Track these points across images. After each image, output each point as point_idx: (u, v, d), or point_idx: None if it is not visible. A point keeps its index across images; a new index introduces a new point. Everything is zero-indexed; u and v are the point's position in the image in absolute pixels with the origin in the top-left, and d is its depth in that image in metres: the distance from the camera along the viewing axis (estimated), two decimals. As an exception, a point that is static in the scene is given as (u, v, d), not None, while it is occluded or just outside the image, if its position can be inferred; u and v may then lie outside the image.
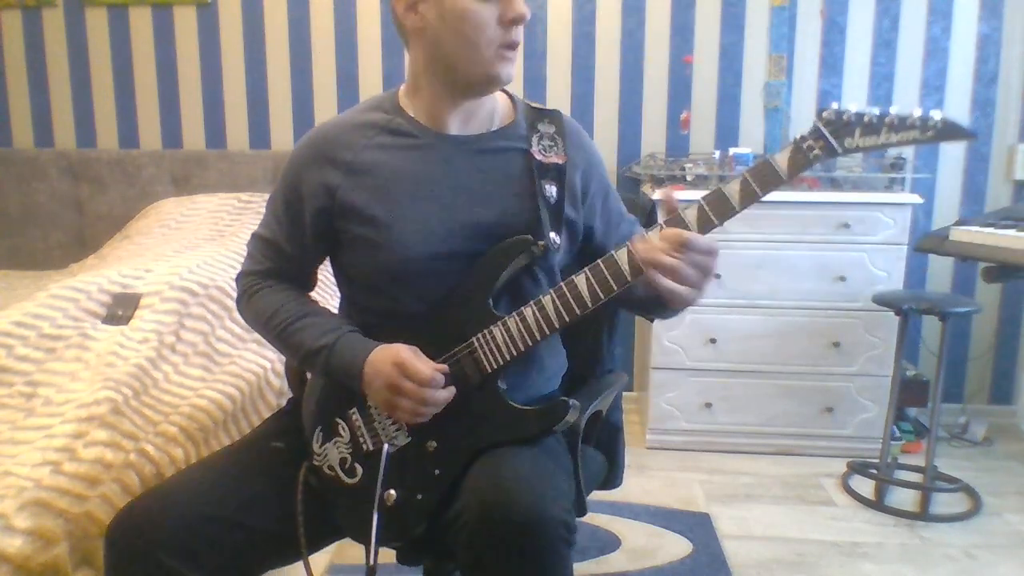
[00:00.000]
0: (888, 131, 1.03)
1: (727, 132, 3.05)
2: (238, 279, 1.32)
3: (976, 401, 3.12)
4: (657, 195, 1.05)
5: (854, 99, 2.97)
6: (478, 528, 1.00)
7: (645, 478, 2.59)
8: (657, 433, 2.81)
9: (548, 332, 1.12)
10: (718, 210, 1.07)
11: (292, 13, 3.12)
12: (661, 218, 1.12)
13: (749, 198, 1.06)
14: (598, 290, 1.10)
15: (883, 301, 2.45)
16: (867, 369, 2.69)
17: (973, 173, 2.99)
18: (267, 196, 2.75)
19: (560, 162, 1.24)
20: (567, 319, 1.12)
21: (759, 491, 2.52)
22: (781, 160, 1.05)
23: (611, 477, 1.44)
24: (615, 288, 1.10)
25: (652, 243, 1.06)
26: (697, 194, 2.62)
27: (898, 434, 2.75)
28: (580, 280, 1.11)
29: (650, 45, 3.04)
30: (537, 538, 0.98)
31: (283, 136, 3.20)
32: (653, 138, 3.08)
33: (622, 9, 3.02)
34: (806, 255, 2.66)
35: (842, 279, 2.65)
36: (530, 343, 1.13)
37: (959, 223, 2.45)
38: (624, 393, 1.45)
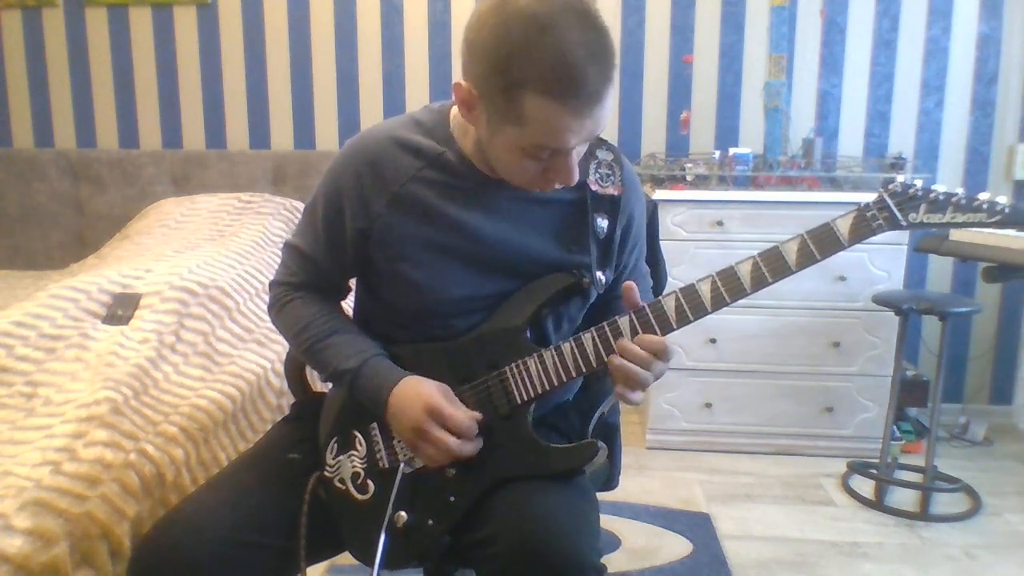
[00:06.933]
0: (954, 210, 1.00)
1: (727, 132, 3.05)
2: (271, 287, 1.29)
3: (976, 401, 3.12)
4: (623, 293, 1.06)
5: (854, 99, 2.98)
6: (511, 566, 0.99)
7: (645, 478, 2.59)
8: (657, 433, 2.81)
9: (584, 370, 1.10)
10: (773, 268, 1.05)
11: (292, 13, 3.12)
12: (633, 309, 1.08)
13: (806, 260, 1.04)
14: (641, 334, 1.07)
15: (883, 301, 2.45)
16: (867, 369, 2.69)
17: (973, 173, 2.99)
18: (267, 196, 2.82)
19: (616, 194, 1.20)
20: (606, 360, 1.08)
21: (759, 491, 2.52)
22: (843, 225, 1.03)
23: (608, 478, 1.44)
24: (659, 333, 1.07)
25: (633, 350, 1.05)
26: (697, 194, 2.68)
27: (898, 434, 2.75)
28: (623, 322, 1.08)
29: (650, 45, 3.04)
30: None
31: (283, 136, 3.20)
32: (653, 138, 3.08)
33: (622, 9, 3.02)
34: (806, 255, 2.66)
35: (842, 279, 2.65)
36: (564, 379, 1.10)
37: (959, 223, 2.45)
38: (624, 393, 1.45)
